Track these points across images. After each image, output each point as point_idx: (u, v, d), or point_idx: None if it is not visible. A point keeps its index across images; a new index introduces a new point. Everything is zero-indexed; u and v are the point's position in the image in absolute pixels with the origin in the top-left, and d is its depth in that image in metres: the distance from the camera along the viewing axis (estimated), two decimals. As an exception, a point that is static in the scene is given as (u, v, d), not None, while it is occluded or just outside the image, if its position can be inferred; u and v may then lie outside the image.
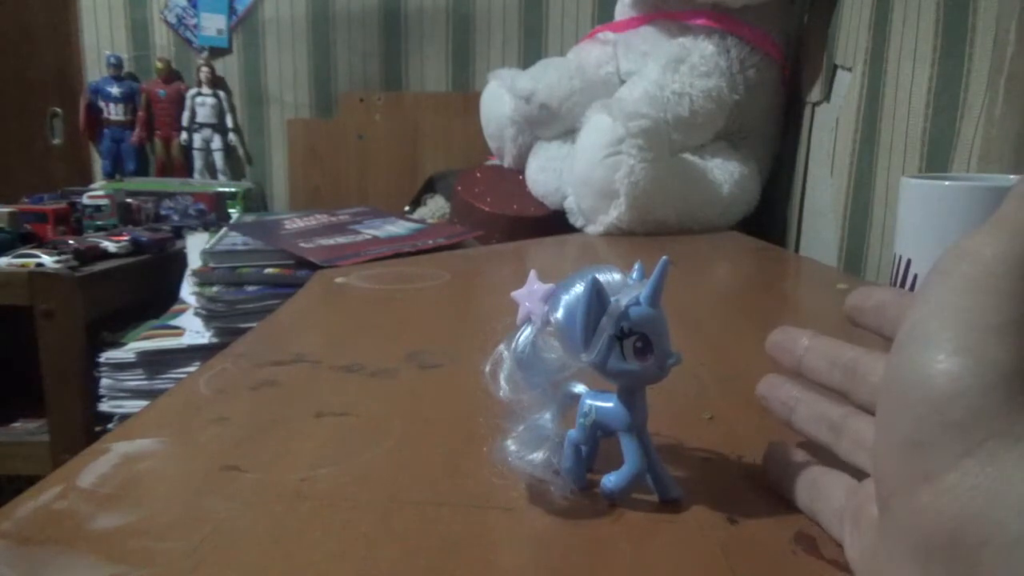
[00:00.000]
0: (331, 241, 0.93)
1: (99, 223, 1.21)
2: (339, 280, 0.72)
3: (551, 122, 1.10)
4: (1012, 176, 0.50)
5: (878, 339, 0.26)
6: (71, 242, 1.06)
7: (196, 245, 1.06)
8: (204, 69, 1.61)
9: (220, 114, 1.64)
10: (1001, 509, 0.16)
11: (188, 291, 1.04)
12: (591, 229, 0.99)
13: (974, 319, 0.19)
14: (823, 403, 0.28)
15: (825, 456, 0.29)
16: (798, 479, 0.27)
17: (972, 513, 0.17)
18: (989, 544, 0.16)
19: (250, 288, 0.91)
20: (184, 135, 1.64)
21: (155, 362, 0.99)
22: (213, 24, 1.62)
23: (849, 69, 0.89)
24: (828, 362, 0.28)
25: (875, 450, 0.20)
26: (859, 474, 0.25)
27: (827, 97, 0.98)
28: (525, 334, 0.28)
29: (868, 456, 0.24)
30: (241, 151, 1.67)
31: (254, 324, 0.57)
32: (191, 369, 0.91)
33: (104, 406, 1.01)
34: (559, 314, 0.27)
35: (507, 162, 1.21)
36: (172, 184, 1.49)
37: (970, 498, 0.17)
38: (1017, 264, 0.19)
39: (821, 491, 0.26)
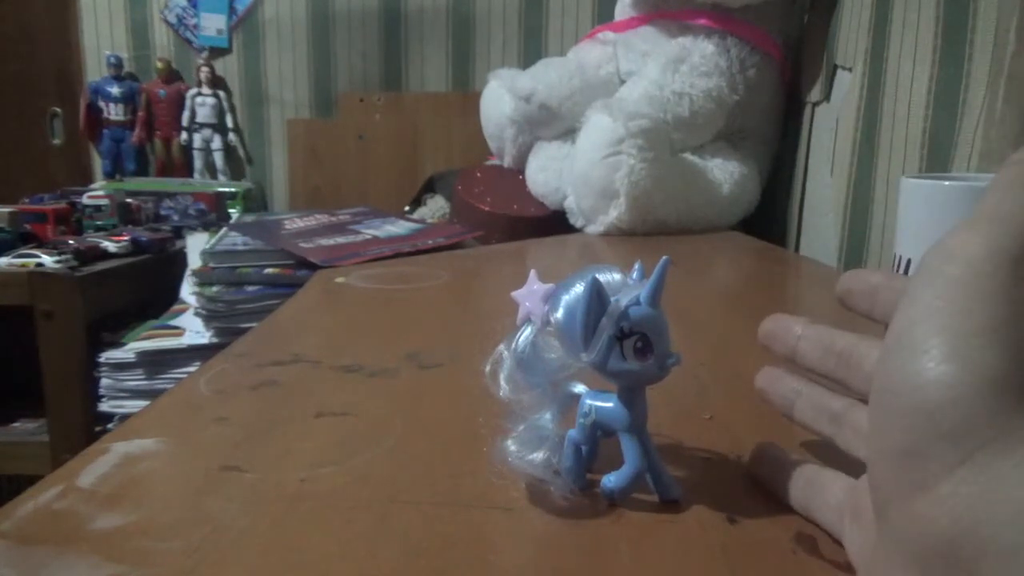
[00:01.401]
0: (331, 241, 0.93)
1: (99, 223, 1.21)
2: (339, 280, 0.72)
3: (551, 122, 1.10)
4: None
5: (872, 325, 0.26)
6: (71, 242, 1.06)
7: (196, 245, 1.06)
8: (204, 69, 1.61)
9: (220, 114, 1.64)
10: (997, 517, 0.16)
11: (188, 291, 1.04)
12: (591, 229, 0.99)
13: (962, 324, 0.18)
14: (824, 395, 0.28)
15: (816, 456, 0.29)
16: (792, 478, 0.27)
17: (968, 522, 0.17)
18: (986, 553, 0.16)
19: (250, 288, 0.91)
20: (184, 135, 1.64)
21: (155, 362, 0.99)
22: (213, 24, 1.62)
23: (849, 69, 0.89)
24: (822, 350, 0.27)
25: (868, 457, 0.20)
26: (855, 470, 0.25)
27: (827, 97, 0.98)
28: (525, 334, 0.28)
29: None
30: (241, 151, 1.67)
31: (254, 324, 0.57)
32: (191, 369, 0.91)
33: (104, 406, 1.01)
34: (559, 314, 0.27)
35: (507, 162, 1.21)
36: (172, 184, 1.49)
37: (965, 507, 0.17)
38: (1003, 261, 0.19)
39: (818, 489, 0.26)
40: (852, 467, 0.26)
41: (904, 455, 0.18)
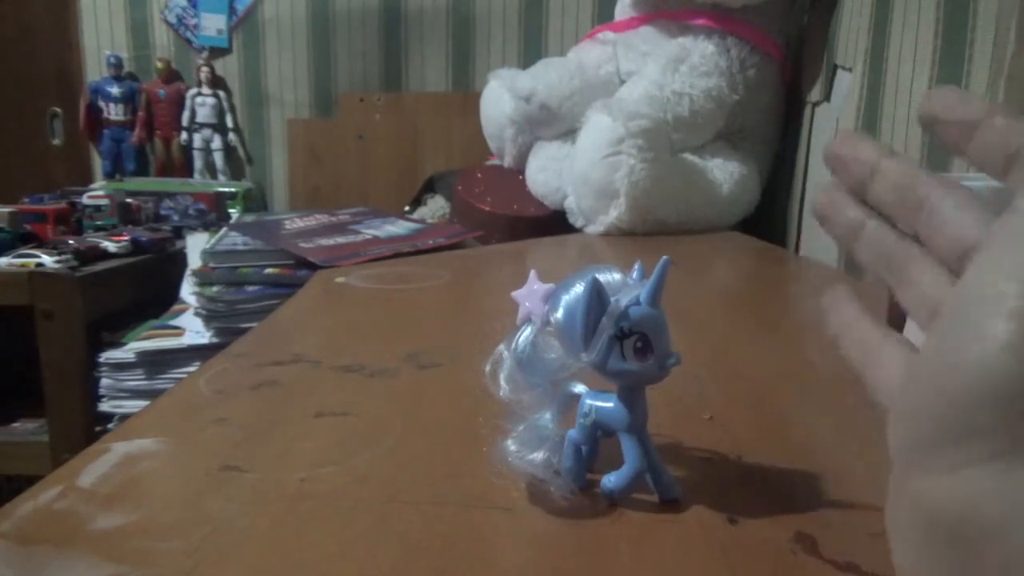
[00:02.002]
0: (331, 241, 0.93)
1: (99, 223, 1.21)
2: (339, 280, 0.72)
3: (551, 122, 1.10)
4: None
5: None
6: (71, 242, 1.06)
7: (196, 245, 1.06)
8: (204, 69, 1.61)
9: (220, 114, 1.64)
10: (1016, 512, 0.16)
11: (188, 291, 1.04)
12: (591, 229, 0.99)
13: None
14: (890, 237, 0.24)
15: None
16: (854, 339, 0.24)
17: (984, 508, 0.16)
18: (993, 544, 0.16)
19: (250, 288, 0.91)
20: (184, 135, 1.64)
21: (155, 362, 0.99)
22: (213, 24, 1.62)
23: (849, 69, 0.89)
24: (899, 194, 0.23)
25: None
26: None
27: (827, 97, 0.98)
28: (525, 334, 0.28)
29: (926, 314, 0.22)
30: (241, 151, 1.67)
31: (254, 324, 0.57)
32: (191, 369, 0.91)
33: (104, 406, 1.01)
34: (559, 314, 0.27)
35: (507, 162, 1.21)
36: (172, 184, 1.49)
37: (983, 499, 0.16)
38: None
39: (876, 358, 0.24)
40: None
41: (937, 435, 0.18)
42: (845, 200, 0.25)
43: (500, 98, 1.16)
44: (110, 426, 1.01)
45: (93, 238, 1.12)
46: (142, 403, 0.93)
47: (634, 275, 0.28)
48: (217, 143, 1.64)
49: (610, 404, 0.28)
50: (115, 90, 1.61)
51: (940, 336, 0.18)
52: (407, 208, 1.37)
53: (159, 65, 1.62)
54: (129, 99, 1.63)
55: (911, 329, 0.24)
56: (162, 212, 1.37)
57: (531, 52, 1.54)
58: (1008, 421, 0.16)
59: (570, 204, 1.05)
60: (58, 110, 1.62)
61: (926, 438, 0.18)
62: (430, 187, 1.38)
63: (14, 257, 1.01)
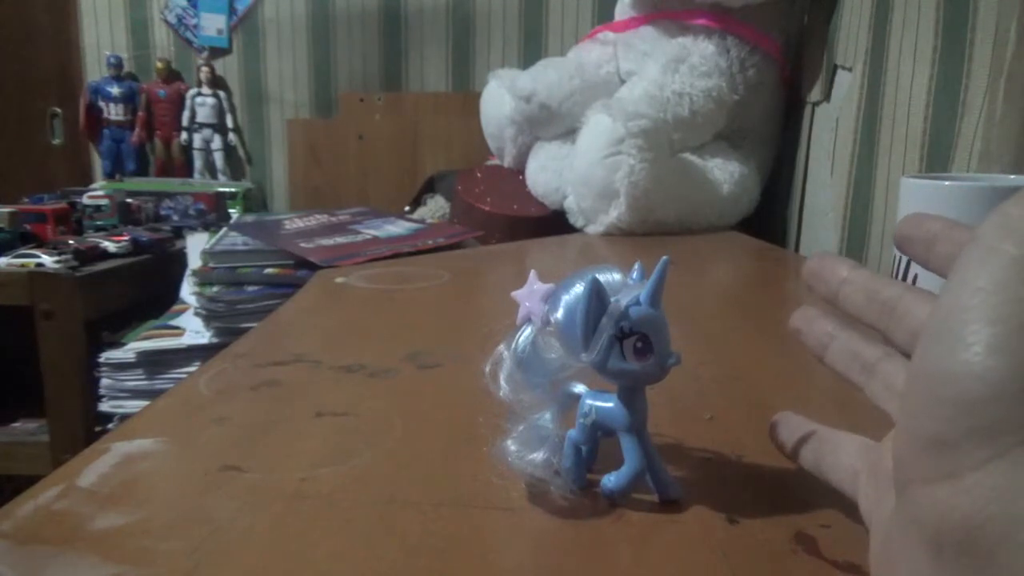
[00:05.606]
0: (331, 241, 0.93)
1: (99, 223, 1.21)
2: (339, 280, 0.72)
3: (551, 122, 1.10)
4: (1012, 176, 0.50)
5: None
6: (71, 242, 1.06)
7: (196, 245, 1.06)
8: (204, 69, 1.61)
9: (220, 114, 1.64)
10: (1022, 512, 0.16)
11: (188, 291, 1.04)
12: (591, 229, 0.99)
13: (1015, 313, 0.17)
14: (859, 342, 0.27)
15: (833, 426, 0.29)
16: (806, 439, 0.28)
17: (991, 512, 0.16)
18: (1006, 543, 0.16)
19: (250, 288, 0.91)
20: (184, 135, 1.64)
21: (155, 362, 0.99)
22: (213, 24, 1.62)
23: (849, 69, 0.89)
24: (866, 296, 0.26)
25: (897, 435, 0.20)
26: (872, 436, 0.25)
27: (827, 97, 0.98)
28: (525, 334, 0.28)
29: (897, 403, 0.23)
30: (241, 151, 1.67)
31: (254, 324, 0.57)
32: (191, 369, 0.91)
33: (104, 406, 1.01)
34: (559, 314, 0.27)
35: (507, 162, 1.21)
36: (172, 184, 1.49)
37: (991, 498, 0.16)
38: None
39: (831, 447, 0.26)
40: (871, 429, 0.26)
41: (934, 443, 0.18)
42: (816, 314, 0.29)
43: (500, 98, 1.16)
44: (110, 426, 1.01)
45: (93, 238, 1.12)
46: (142, 403, 0.93)
47: (634, 275, 0.28)
48: (217, 143, 1.64)
49: (610, 404, 0.28)
50: (115, 90, 1.61)
51: (926, 349, 0.19)
52: (407, 208, 1.36)
53: (159, 65, 1.62)
54: (129, 99, 1.63)
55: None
56: (162, 212, 1.37)
57: (531, 52, 1.54)
58: (1008, 420, 0.17)
59: (570, 204, 1.05)
60: (58, 110, 1.62)
61: (926, 446, 0.18)
62: (430, 187, 1.38)
63: (14, 257, 1.01)
